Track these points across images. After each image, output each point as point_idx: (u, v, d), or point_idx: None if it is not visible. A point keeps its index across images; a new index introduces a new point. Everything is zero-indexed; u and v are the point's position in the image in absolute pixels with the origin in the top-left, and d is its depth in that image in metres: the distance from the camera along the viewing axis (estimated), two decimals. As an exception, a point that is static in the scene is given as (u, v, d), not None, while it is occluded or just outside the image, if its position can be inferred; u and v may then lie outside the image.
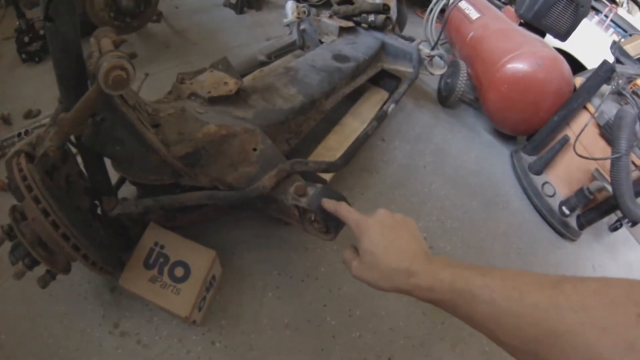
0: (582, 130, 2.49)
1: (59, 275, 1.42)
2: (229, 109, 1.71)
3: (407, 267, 0.79)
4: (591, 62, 3.91)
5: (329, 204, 1.20)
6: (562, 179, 2.79)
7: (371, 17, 2.70)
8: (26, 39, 3.22)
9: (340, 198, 1.29)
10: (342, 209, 1.12)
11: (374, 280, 0.86)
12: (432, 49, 4.31)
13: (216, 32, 3.98)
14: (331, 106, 2.13)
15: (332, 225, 1.31)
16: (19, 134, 2.56)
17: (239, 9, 4.40)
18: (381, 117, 1.95)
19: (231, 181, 1.47)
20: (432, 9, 4.51)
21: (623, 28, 4.27)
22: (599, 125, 2.51)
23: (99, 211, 1.67)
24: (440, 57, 2.68)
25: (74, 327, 1.60)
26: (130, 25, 3.19)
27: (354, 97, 2.57)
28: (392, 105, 2.04)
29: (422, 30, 4.66)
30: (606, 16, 4.33)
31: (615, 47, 3.02)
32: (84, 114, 1.26)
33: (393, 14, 2.92)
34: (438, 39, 4.32)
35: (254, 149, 1.51)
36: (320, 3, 4.55)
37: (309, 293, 1.87)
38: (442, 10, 4.56)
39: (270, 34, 4.09)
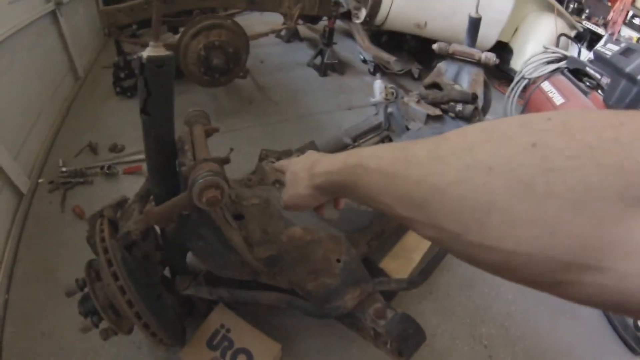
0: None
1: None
2: (314, 204, 1.69)
3: (311, 162, 0.78)
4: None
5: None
6: (642, 290, 2.56)
7: (459, 107, 2.64)
8: (122, 75, 3.44)
9: (418, 331, 1.29)
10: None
11: (293, 193, 0.83)
12: (512, 129, 4.21)
13: (298, 93, 4.07)
14: (413, 203, 2.07)
15: (406, 349, 1.28)
16: (102, 167, 2.74)
17: (323, 71, 4.49)
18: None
19: (311, 289, 1.44)
20: (513, 88, 4.42)
21: None
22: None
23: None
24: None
25: (122, 371, 1.63)
26: (218, 80, 3.30)
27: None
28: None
29: (501, 106, 4.56)
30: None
31: None
32: (172, 214, 1.30)
33: (480, 100, 2.85)
34: (519, 119, 4.22)
35: (338, 260, 1.48)
36: (402, 72, 4.57)
37: (364, 388, 1.81)
38: (524, 87, 4.46)
39: (353, 102, 4.13)
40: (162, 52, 1.14)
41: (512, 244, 0.36)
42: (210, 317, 1.68)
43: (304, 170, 0.79)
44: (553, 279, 0.35)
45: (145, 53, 1.12)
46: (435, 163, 0.45)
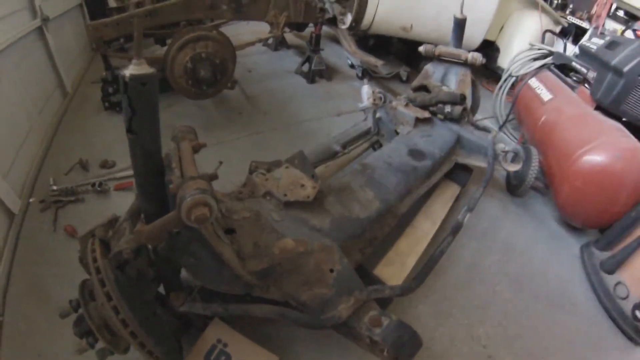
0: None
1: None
2: (305, 215, 1.69)
3: None
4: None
5: None
6: (637, 280, 2.54)
7: (448, 108, 2.64)
8: (110, 90, 3.43)
9: (414, 337, 1.25)
10: None
11: None
12: (501, 127, 4.22)
13: (287, 101, 4.07)
14: (406, 209, 2.08)
15: (403, 356, 1.27)
16: (93, 184, 2.71)
17: (310, 78, 4.49)
18: (456, 229, 1.87)
19: (305, 300, 1.44)
20: (501, 86, 4.43)
21: None
22: (684, 224, 2.28)
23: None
24: (516, 152, 2.58)
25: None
26: (205, 92, 3.29)
27: (426, 191, 2.49)
28: (468, 215, 1.96)
29: (490, 105, 4.57)
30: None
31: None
32: (162, 232, 1.29)
33: (468, 100, 2.85)
34: (507, 116, 4.23)
35: (331, 270, 1.47)
36: (390, 76, 4.58)
37: (364, 400, 1.80)
38: (512, 85, 4.47)
39: (342, 108, 4.13)
40: (145, 69, 1.14)
41: None
42: (206, 333, 1.66)
43: None
44: None
45: (128, 71, 1.12)
46: None
